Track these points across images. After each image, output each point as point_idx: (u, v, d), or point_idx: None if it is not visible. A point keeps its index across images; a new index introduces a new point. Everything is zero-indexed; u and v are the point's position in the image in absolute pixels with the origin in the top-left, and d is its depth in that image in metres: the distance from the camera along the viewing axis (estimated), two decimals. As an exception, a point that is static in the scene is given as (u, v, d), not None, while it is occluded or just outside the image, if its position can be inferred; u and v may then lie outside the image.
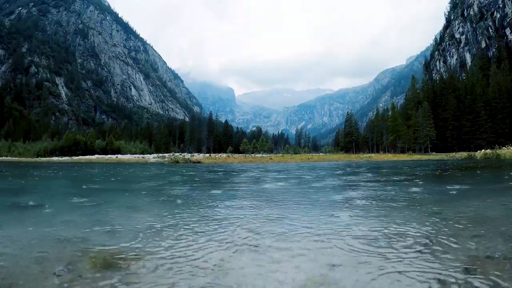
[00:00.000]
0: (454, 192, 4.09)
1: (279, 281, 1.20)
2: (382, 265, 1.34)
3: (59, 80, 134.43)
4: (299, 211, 2.80)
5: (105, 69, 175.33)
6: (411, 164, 15.35)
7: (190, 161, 20.80)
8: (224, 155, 40.47)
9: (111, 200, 3.81)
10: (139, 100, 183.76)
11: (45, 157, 44.91)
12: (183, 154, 41.03)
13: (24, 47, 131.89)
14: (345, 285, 1.16)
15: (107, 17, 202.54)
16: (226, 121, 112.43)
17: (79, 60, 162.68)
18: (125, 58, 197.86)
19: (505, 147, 25.33)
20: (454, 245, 1.61)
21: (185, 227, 2.16)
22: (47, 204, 3.56)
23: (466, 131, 50.56)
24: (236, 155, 38.85)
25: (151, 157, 33.84)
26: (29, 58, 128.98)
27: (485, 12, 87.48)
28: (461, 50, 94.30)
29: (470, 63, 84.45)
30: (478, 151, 28.33)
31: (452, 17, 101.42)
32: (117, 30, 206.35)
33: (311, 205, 3.14)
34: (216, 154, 49.19)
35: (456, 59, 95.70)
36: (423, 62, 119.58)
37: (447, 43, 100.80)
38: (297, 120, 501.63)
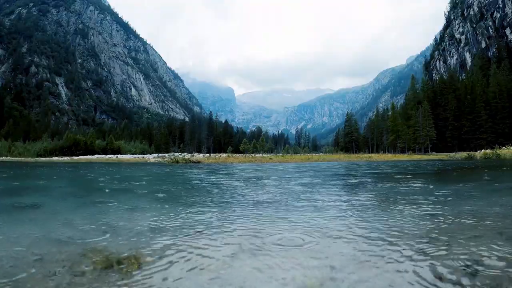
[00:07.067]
0: (454, 192, 4.09)
1: (280, 282, 1.20)
2: (382, 265, 1.34)
3: (59, 80, 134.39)
4: (298, 211, 2.79)
5: (105, 69, 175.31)
6: (414, 164, 15.35)
7: (190, 161, 20.77)
8: (224, 155, 40.45)
9: (111, 200, 3.80)
10: (139, 100, 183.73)
11: (45, 157, 44.88)
12: (183, 154, 41.01)
13: (24, 47, 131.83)
14: (345, 285, 1.16)
15: (107, 17, 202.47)
16: (226, 121, 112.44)
17: (79, 60, 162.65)
18: (125, 58, 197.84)
19: (505, 147, 25.36)
20: (454, 245, 1.61)
21: (185, 227, 2.16)
22: (47, 204, 3.55)
23: (466, 131, 50.53)
24: (236, 155, 38.84)
25: (151, 157, 33.82)
26: (29, 58, 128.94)
27: (485, 12, 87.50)
28: (461, 50, 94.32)
29: (470, 63, 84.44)
30: (478, 151, 28.36)
31: (452, 17, 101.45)
32: (117, 30, 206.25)
33: (311, 205, 3.13)
34: (216, 154, 49.17)
35: (456, 59, 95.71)
36: (423, 62, 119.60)
37: (447, 43, 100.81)
38: (297, 120, 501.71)
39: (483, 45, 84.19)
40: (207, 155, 40.95)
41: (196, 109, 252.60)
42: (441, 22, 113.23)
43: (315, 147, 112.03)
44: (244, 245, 1.67)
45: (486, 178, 6.21)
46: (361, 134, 78.34)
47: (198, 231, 2.02)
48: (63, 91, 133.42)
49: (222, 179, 7.27)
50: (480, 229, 1.98)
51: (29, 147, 54.13)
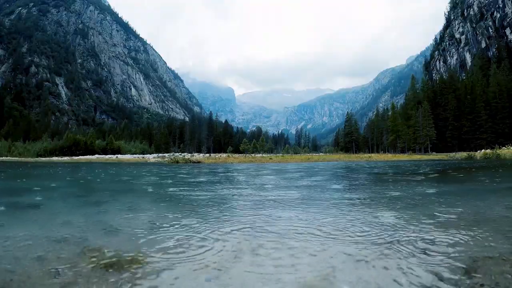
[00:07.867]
0: (454, 192, 4.10)
1: (280, 281, 1.20)
2: (381, 265, 1.35)
3: (59, 80, 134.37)
4: (298, 211, 2.80)
5: (105, 69, 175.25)
6: (414, 164, 15.36)
7: (190, 161, 20.78)
8: (224, 155, 40.46)
9: (110, 200, 3.81)
10: (139, 100, 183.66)
11: (45, 157, 44.91)
12: (183, 154, 41.02)
13: (24, 47, 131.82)
14: (345, 284, 1.16)
15: (107, 17, 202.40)
16: (226, 121, 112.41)
17: (79, 60, 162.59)
18: (125, 58, 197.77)
19: (505, 147, 25.36)
20: (454, 245, 1.61)
21: (185, 227, 2.16)
22: (47, 204, 3.56)
23: (466, 131, 50.51)
24: (236, 155, 38.84)
25: (151, 157, 33.84)
26: (29, 58, 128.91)
27: (485, 12, 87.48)
28: (461, 50, 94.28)
29: (470, 63, 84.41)
30: (478, 151, 28.35)
31: (452, 17, 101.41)
32: (117, 30, 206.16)
33: (310, 205, 3.14)
34: (216, 154, 49.17)
35: (456, 59, 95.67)
36: (423, 62, 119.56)
37: (447, 43, 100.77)
38: (297, 120, 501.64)
39: (483, 45, 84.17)
40: (207, 155, 40.95)
41: (196, 109, 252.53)
42: (441, 22, 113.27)
43: (315, 147, 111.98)
44: (244, 245, 1.67)
45: (486, 178, 6.22)
46: (361, 134, 78.33)
47: (198, 231, 2.02)
48: (63, 91, 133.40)
49: (222, 180, 7.28)
50: (480, 228, 1.98)
51: (29, 147, 54.17)
